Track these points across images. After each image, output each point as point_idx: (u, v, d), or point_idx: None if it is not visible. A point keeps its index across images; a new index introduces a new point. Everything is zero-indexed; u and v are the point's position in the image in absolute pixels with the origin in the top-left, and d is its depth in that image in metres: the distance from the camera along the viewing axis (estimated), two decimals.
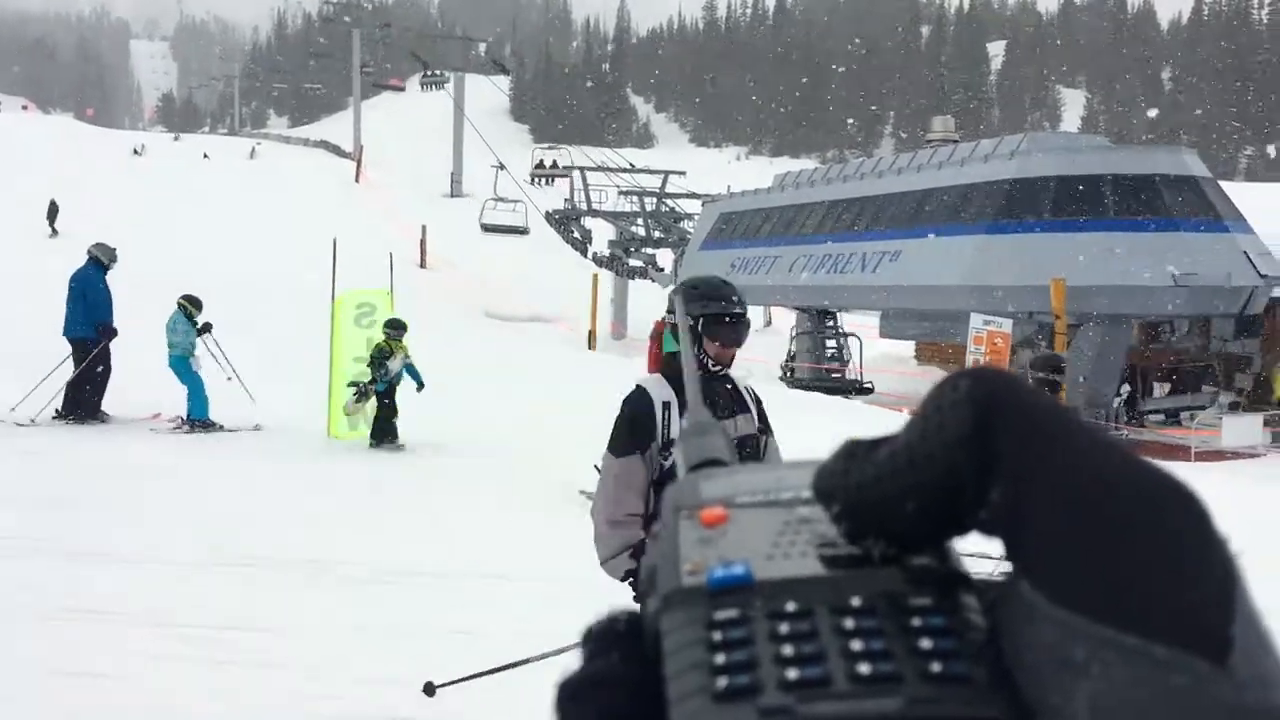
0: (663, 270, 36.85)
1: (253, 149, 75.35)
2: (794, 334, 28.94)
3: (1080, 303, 17.80)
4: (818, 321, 28.28)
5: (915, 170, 25.01)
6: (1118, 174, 20.17)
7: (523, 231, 40.01)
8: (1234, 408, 20.04)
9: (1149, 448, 17.38)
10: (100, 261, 12.61)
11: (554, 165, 54.70)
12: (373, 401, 11.59)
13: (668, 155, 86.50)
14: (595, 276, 32.08)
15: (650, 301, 37.52)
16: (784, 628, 0.32)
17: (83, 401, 12.03)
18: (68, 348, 12.31)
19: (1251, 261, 19.22)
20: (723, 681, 0.31)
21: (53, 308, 12.68)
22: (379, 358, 11.45)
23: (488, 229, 40.54)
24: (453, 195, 60.30)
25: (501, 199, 41.12)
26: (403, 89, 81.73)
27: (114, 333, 12.33)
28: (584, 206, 42.11)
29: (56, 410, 11.91)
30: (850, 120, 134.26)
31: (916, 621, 0.32)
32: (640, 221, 39.99)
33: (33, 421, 11.65)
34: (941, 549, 0.35)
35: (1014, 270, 19.76)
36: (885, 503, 0.34)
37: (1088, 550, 0.30)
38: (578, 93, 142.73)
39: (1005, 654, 0.31)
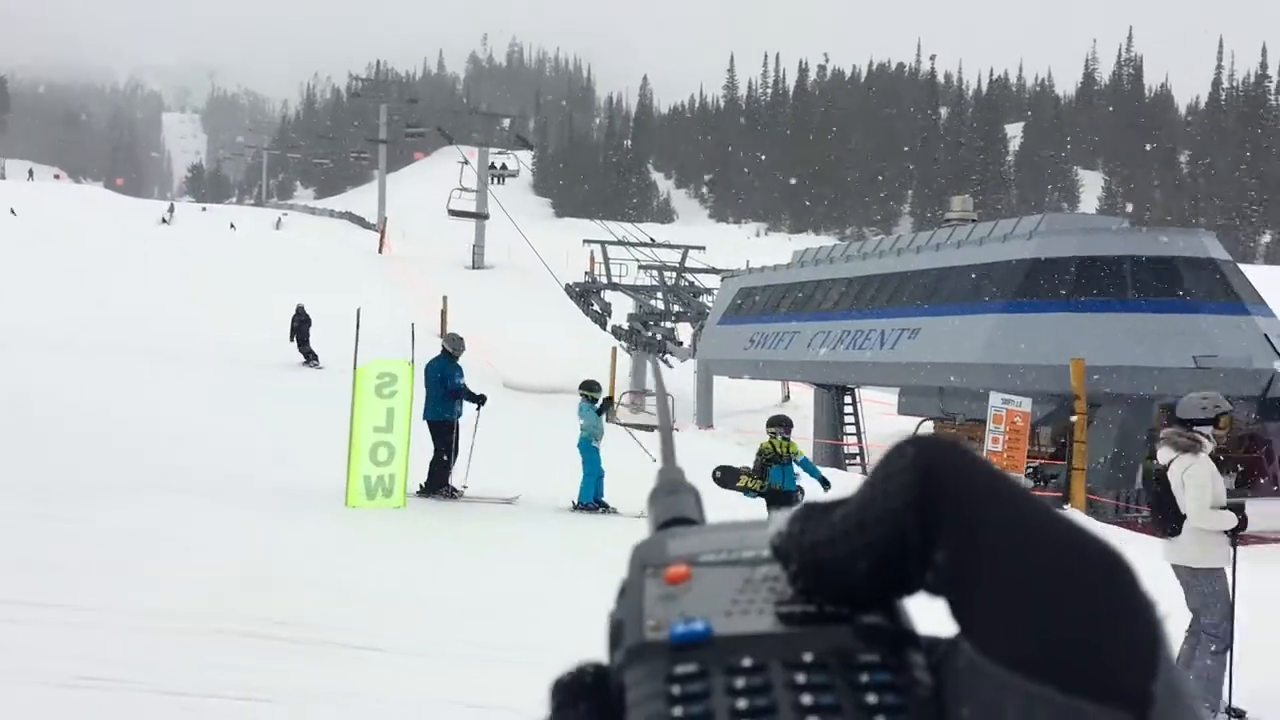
0: (681, 344, 36.94)
1: (278, 219, 76.53)
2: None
3: (1100, 383, 17.75)
4: (835, 398, 28.22)
5: (934, 248, 25.11)
6: (1137, 255, 20.21)
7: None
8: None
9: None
10: (448, 351, 13.60)
11: (504, 167, 57.15)
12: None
13: (687, 230, 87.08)
14: (614, 350, 32.16)
15: (667, 374, 37.63)
16: (739, 682, 0.33)
17: (439, 480, 12.92)
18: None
19: (1272, 344, 19.14)
20: None
21: None
22: (763, 463, 10.71)
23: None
24: (474, 266, 61.02)
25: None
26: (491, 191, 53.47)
27: (483, 399, 13.36)
28: (604, 280, 42.45)
29: (420, 486, 12.74)
30: (868, 198, 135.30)
31: (864, 677, 0.33)
32: (660, 295, 40.23)
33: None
34: (892, 608, 0.36)
35: (1033, 349, 19.74)
36: (837, 562, 0.35)
37: (1023, 610, 0.31)
38: (599, 168, 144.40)
39: (947, 709, 0.33)
